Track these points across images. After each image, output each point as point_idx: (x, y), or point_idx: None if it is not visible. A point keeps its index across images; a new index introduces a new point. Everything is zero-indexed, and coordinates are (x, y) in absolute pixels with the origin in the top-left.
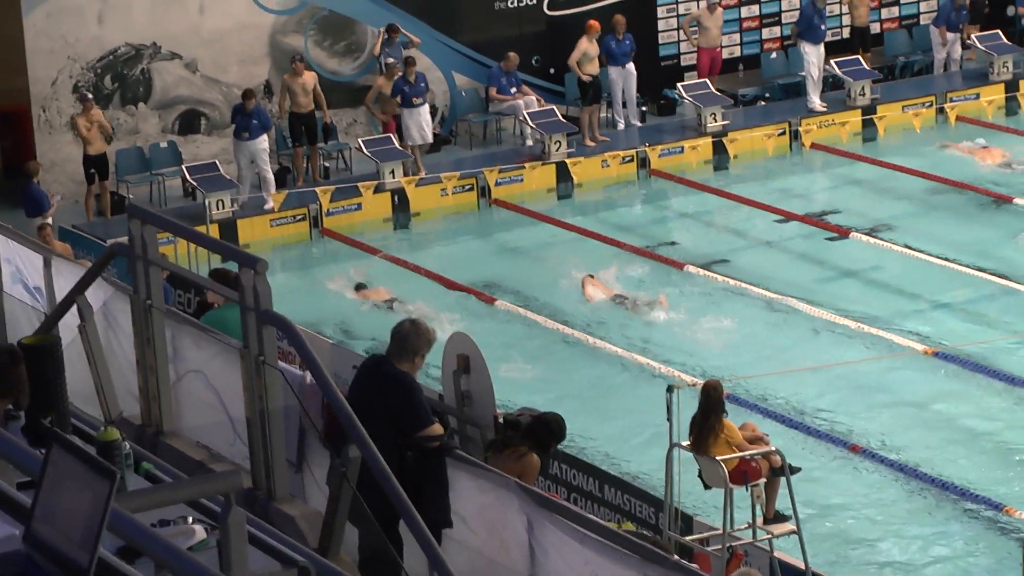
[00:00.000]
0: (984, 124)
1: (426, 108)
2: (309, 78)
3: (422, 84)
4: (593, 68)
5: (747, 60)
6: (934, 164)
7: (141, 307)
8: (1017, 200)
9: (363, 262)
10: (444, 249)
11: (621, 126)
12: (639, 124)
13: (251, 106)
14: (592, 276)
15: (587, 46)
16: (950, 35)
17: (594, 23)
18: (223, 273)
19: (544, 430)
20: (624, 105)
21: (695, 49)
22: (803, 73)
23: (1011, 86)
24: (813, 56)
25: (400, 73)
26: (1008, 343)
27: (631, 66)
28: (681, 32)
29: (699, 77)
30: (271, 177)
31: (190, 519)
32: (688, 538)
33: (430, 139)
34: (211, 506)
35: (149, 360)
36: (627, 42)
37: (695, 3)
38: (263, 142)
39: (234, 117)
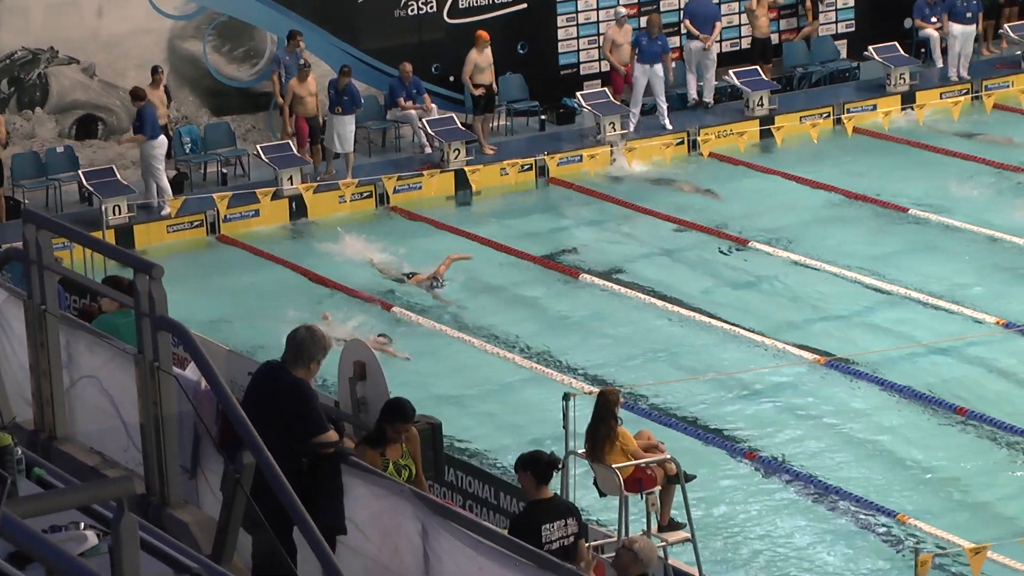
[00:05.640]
0: (881, 135)
1: (352, 119)
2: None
3: (357, 95)
4: (485, 78)
5: None
6: (831, 175)
7: (35, 312)
8: (912, 211)
9: (265, 270)
10: (342, 254)
11: (632, 127)
12: (669, 125)
13: (139, 107)
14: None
15: (477, 57)
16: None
17: (482, 33)
18: (117, 279)
19: (391, 409)
20: (643, 105)
21: (622, 67)
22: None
23: (907, 98)
24: (641, 76)
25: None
26: (901, 353)
27: (659, 67)
28: (581, 41)
29: (616, 95)
30: (166, 184)
31: (82, 525)
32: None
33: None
34: (104, 512)
35: (43, 365)
36: (659, 42)
37: (595, 12)
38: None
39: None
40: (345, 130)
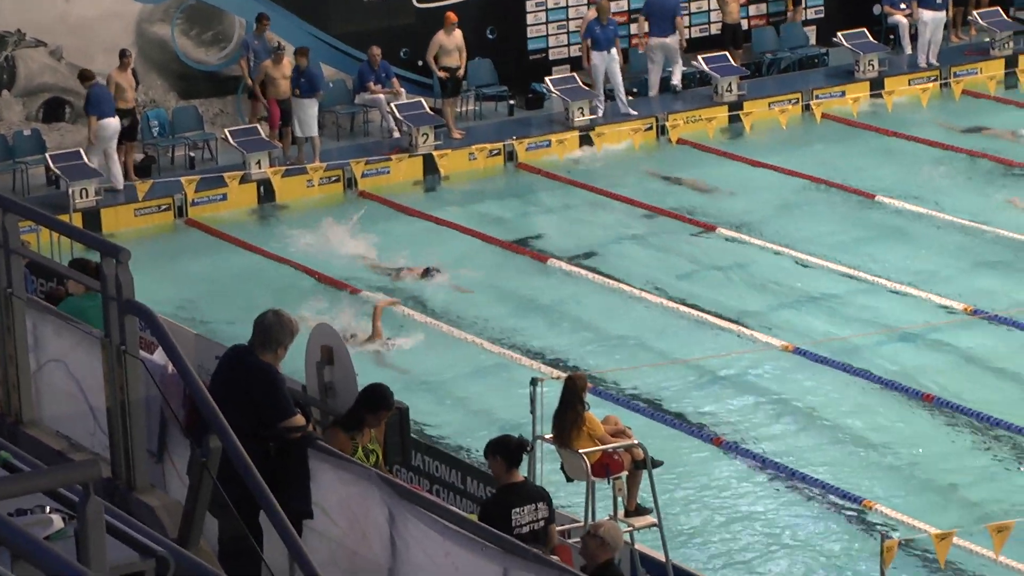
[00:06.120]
0: (850, 122)
1: (312, 103)
2: None
3: (316, 78)
4: (452, 61)
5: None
6: (800, 161)
7: (2, 295)
8: (880, 197)
9: (232, 254)
10: (310, 239)
11: (600, 112)
12: (631, 111)
13: (88, 87)
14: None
15: (444, 39)
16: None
17: (450, 15)
18: (84, 262)
19: (375, 396)
20: (606, 93)
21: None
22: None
23: (876, 84)
24: (600, 63)
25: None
26: (868, 339)
27: (615, 51)
28: (550, 26)
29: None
30: (117, 170)
31: (48, 509)
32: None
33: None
34: (70, 496)
35: (9, 349)
36: (611, 27)
37: None
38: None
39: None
40: (305, 114)
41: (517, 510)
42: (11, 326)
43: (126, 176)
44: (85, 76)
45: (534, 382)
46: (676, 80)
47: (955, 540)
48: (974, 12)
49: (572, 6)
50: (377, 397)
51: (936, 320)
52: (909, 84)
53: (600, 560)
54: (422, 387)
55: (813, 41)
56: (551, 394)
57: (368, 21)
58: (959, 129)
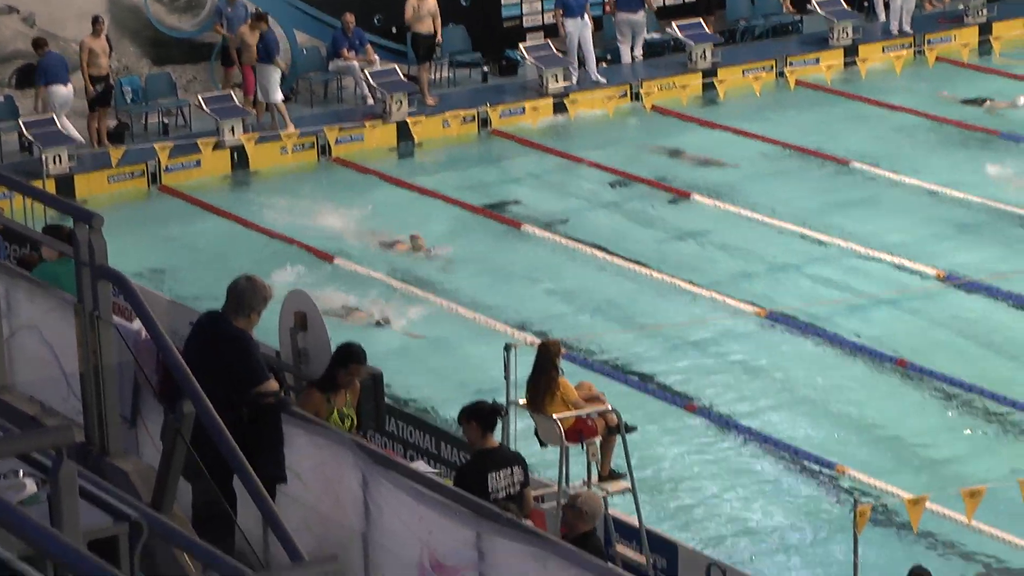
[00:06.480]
0: (824, 89)
1: (272, 68)
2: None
3: (271, 43)
4: (423, 27)
5: None
6: (774, 128)
7: None
8: (854, 164)
9: (206, 220)
10: (283, 205)
11: (574, 79)
12: (600, 79)
13: (40, 55)
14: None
15: (415, 2)
16: None
17: None
18: (57, 228)
19: (342, 351)
20: (582, 60)
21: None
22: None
23: (850, 51)
24: (573, 31)
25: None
26: (841, 305)
27: (587, 18)
28: None
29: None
30: (74, 134)
31: (21, 473)
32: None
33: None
34: (43, 460)
35: None
36: None
37: None
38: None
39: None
40: (265, 79)
41: (493, 474)
42: None
43: (99, 142)
44: (38, 44)
45: (508, 348)
46: (638, 51)
47: (928, 505)
48: None
49: None
50: (344, 351)
51: (910, 286)
52: (883, 52)
53: (580, 531)
54: (395, 352)
55: (787, 8)
56: (525, 360)
57: None
58: (959, 100)
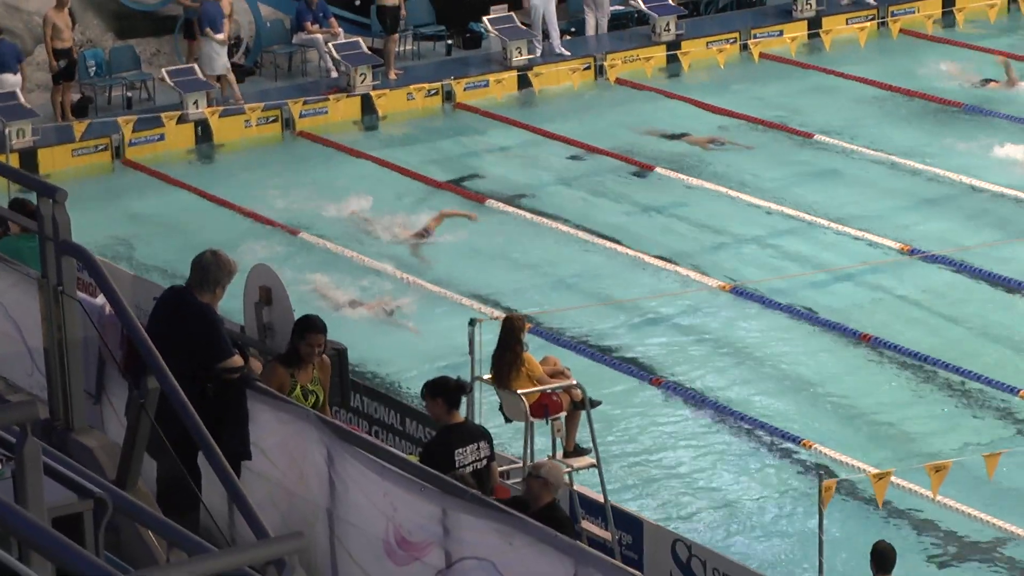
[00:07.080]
0: (787, 61)
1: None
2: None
3: (213, 15)
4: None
5: None
6: (738, 101)
7: None
8: (818, 136)
9: (170, 194)
10: (248, 179)
11: (538, 52)
12: (564, 51)
13: None
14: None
15: None
16: None
17: None
18: (23, 202)
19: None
20: (546, 33)
21: None
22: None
23: (814, 23)
24: (538, 3)
25: None
26: (805, 279)
27: None
28: None
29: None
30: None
31: None
32: None
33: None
34: (7, 437)
35: None
36: None
37: None
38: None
39: None
40: (206, 50)
41: (460, 450)
42: None
43: (63, 116)
44: None
45: (472, 323)
46: (603, 26)
47: (893, 479)
48: None
49: None
50: (303, 322)
51: (874, 259)
52: (847, 23)
53: (543, 501)
54: (360, 327)
55: None
56: (489, 335)
57: None
58: (971, 83)
